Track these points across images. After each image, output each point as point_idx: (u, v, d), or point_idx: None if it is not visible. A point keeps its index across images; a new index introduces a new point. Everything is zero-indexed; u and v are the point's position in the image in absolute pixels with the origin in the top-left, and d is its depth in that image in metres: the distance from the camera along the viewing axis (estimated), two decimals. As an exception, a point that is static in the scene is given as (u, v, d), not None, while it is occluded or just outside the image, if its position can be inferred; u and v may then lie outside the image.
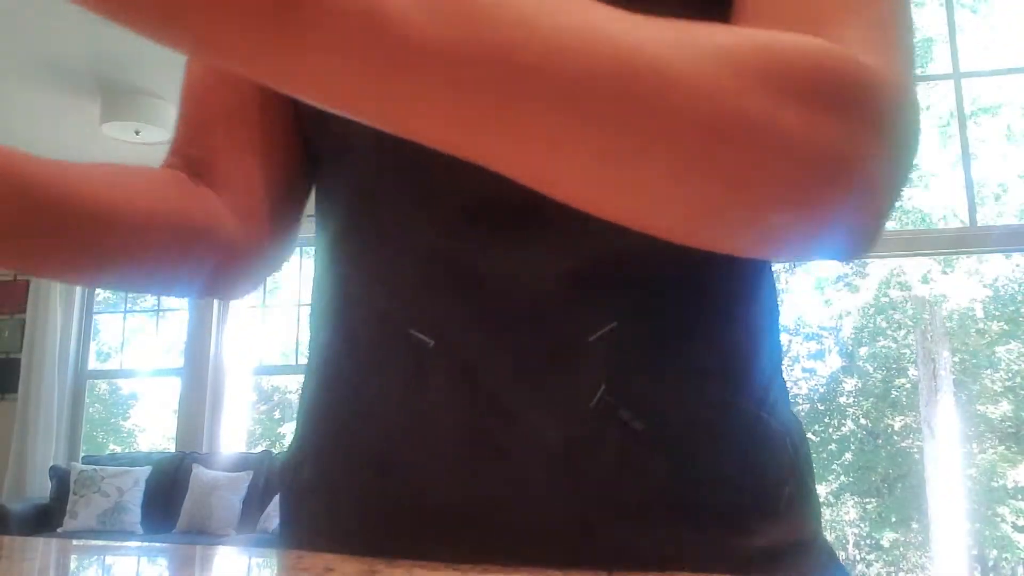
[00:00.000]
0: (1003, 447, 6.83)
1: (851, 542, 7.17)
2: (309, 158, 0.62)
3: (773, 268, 0.60)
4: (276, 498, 4.87)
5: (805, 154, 0.35)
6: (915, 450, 6.90)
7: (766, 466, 0.53)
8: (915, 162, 0.41)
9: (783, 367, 0.61)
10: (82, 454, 5.83)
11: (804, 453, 0.56)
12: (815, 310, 7.72)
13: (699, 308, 0.52)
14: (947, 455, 6.28)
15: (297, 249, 0.71)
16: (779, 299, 0.61)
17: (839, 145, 0.36)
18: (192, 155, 0.62)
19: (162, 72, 4.38)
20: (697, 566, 0.49)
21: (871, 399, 7.43)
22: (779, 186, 0.35)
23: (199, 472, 5.06)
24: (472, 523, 0.50)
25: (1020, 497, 6.55)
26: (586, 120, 0.32)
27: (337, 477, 0.57)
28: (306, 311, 6.10)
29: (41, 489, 5.50)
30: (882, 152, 0.38)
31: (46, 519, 5.15)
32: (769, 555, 0.51)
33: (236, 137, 0.62)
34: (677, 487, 0.50)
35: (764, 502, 0.52)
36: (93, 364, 6.19)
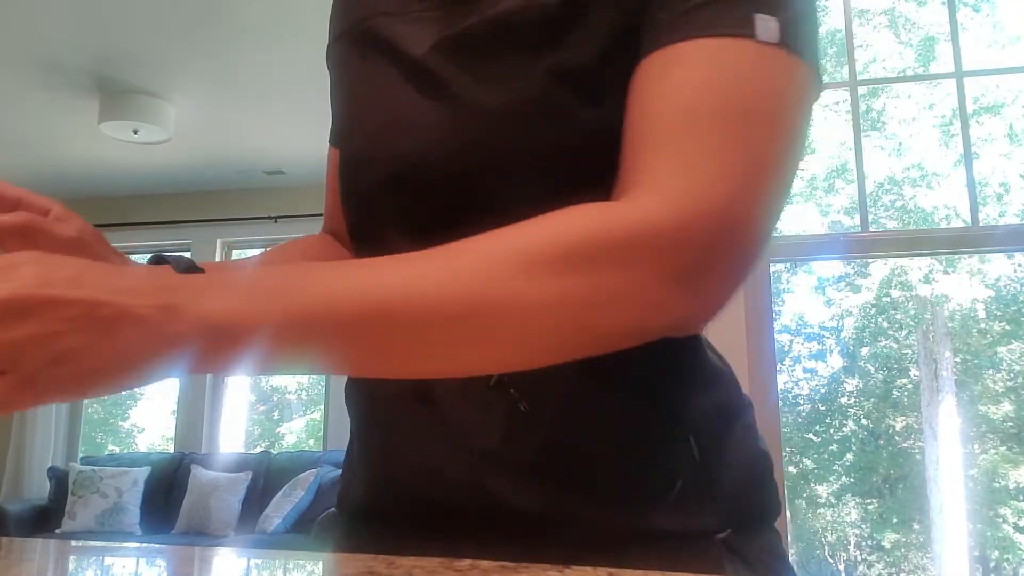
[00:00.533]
0: (1005, 448, 6.81)
1: (852, 543, 7.16)
2: None
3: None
4: (275, 499, 4.87)
5: (557, 314, 0.47)
6: (916, 451, 6.88)
7: (656, 458, 0.60)
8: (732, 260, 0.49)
9: (721, 375, 0.67)
10: (81, 455, 5.81)
11: (713, 457, 0.61)
12: (816, 310, 7.71)
13: None
14: (949, 456, 6.27)
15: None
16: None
17: (595, 296, 0.47)
18: (333, 228, 0.85)
19: (160, 72, 4.37)
20: (582, 532, 0.57)
21: (872, 399, 7.41)
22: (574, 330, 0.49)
23: (198, 473, 5.05)
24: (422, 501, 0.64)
25: (1022, 498, 6.53)
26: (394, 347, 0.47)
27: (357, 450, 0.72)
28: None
29: (40, 490, 5.49)
30: (636, 288, 0.47)
31: (45, 520, 5.14)
32: (651, 537, 0.58)
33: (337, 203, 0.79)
34: (556, 456, 0.59)
35: (649, 490, 0.59)
36: (92, 364, 6.17)
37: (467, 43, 0.60)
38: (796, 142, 0.52)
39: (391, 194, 0.64)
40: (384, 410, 0.68)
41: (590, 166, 0.56)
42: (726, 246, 0.49)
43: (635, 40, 0.57)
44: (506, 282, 0.46)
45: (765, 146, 0.50)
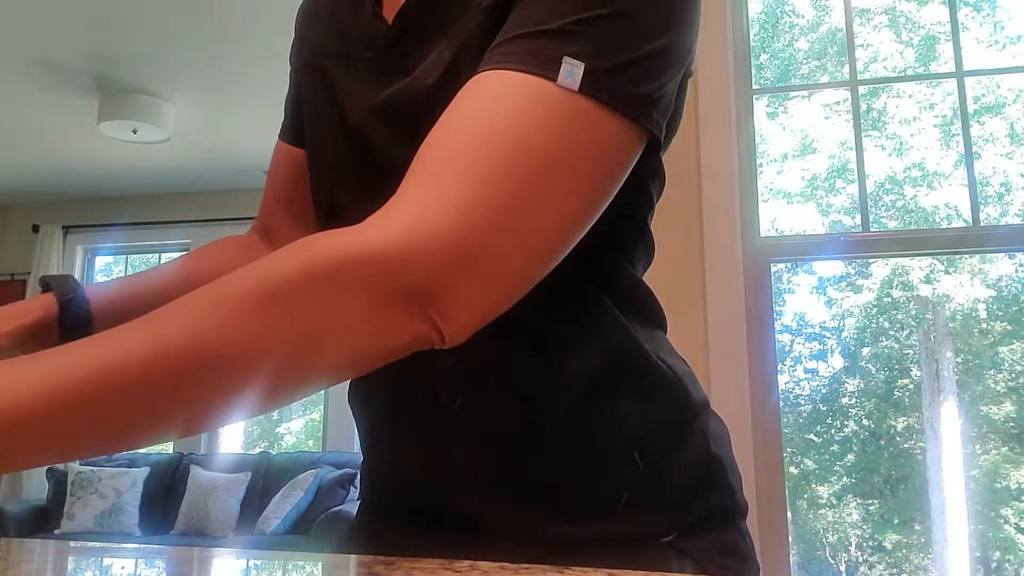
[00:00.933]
0: (1006, 448, 6.80)
1: (853, 544, 7.15)
2: None
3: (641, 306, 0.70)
4: (274, 499, 4.86)
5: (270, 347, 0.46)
6: (918, 451, 6.87)
7: (602, 475, 0.65)
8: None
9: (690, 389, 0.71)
10: (80, 455, 5.80)
11: (660, 467, 0.66)
12: (817, 310, 7.70)
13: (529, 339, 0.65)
14: (950, 456, 6.26)
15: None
16: (638, 326, 0.69)
17: (304, 332, 0.46)
18: (266, 224, 0.90)
19: (159, 71, 4.37)
20: (530, 540, 0.63)
21: (873, 400, 7.40)
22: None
23: (197, 473, 5.04)
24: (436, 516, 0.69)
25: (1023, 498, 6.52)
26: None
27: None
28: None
29: (38, 490, 5.48)
30: (346, 316, 0.47)
31: (43, 520, 5.13)
32: (596, 543, 0.63)
33: (294, 213, 0.86)
34: (510, 475, 0.65)
35: (597, 501, 0.64)
36: (91, 365, 6.16)
37: (398, 109, 0.64)
38: (580, 192, 0.52)
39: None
40: (370, 419, 0.75)
41: None
42: (456, 271, 0.49)
43: None
44: (212, 331, 0.44)
45: (532, 185, 0.50)
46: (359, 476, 0.84)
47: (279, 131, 0.90)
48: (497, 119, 0.51)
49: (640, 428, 0.66)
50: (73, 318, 0.69)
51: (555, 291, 0.59)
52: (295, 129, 0.85)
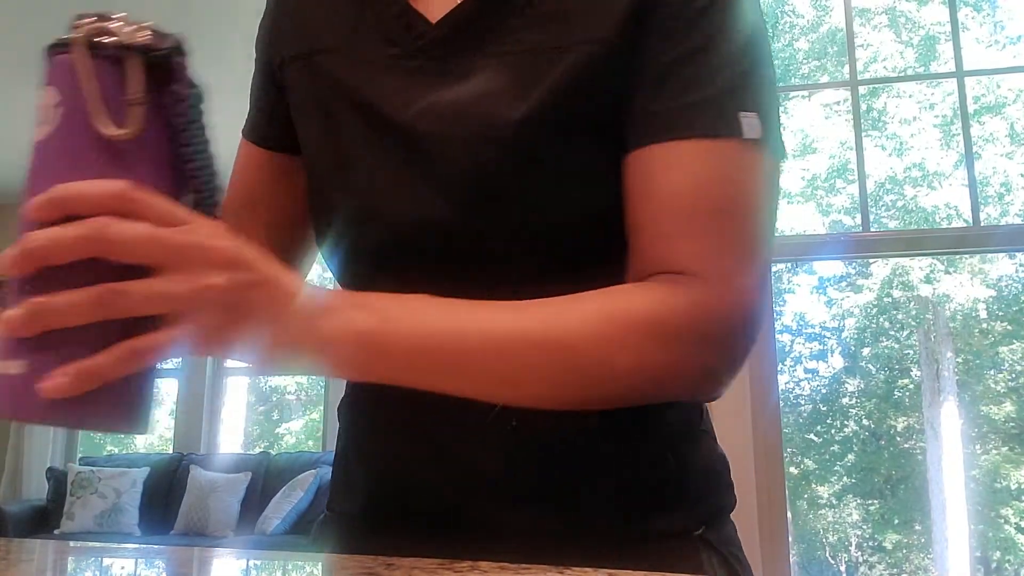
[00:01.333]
0: (1006, 448, 6.80)
1: (854, 544, 7.15)
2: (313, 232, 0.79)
3: None
4: (274, 500, 4.85)
5: (646, 364, 0.56)
6: (918, 451, 6.88)
7: (641, 473, 0.67)
8: (750, 340, 0.59)
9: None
10: (79, 455, 5.80)
11: (692, 463, 0.70)
12: (817, 310, 7.69)
13: None
14: (950, 456, 6.26)
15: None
16: None
17: (664, 368, 0.57)
18: (228, 216, 0.82)
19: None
20: (574, 542, 0.63)
21: (874, 400, 7.41)
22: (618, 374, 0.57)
23: (197, 473, 5.03)
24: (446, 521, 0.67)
25: (1023, 498, 6.52)
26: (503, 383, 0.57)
27: (345, 448, 0.75)
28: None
29: (38, 490, 5.47)
30: (688, 359, 0.58)
31: (43, 521, 5.12)
32: (638, 539, 0.65)
33: (257, 217, 0.82)
34: (551, 481, 0.66)
35: (637, 501, 0.66)
36: (90, 365, 6.16)
37: (471, 118, 0.63)
38: (773, 227, 0.63)
39: (391, 251, 0.67)
40: (389, 423, 0.71)
41: (589, 239, 0.65)
42: (747, 329, 0.59)
43: (609, 129, 0.63)
44: (600, 342, 0.56)
45: (756, 238, 0.60)
46: (337, 482, 0.79)
47: (243, 130, 0.84)
48: (714, 185, 0.60)
49: (671, 428, 0.70)
50: None
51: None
52: (270, 130, 0.80)
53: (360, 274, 0.71)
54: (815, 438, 7.50)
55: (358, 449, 0.74)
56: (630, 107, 0.63)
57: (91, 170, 0.47)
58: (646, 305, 0.57)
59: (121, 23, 0.50)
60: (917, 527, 6.88)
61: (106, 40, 0.49)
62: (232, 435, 5.78)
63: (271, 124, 0.80)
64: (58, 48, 0.49)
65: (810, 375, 7.54)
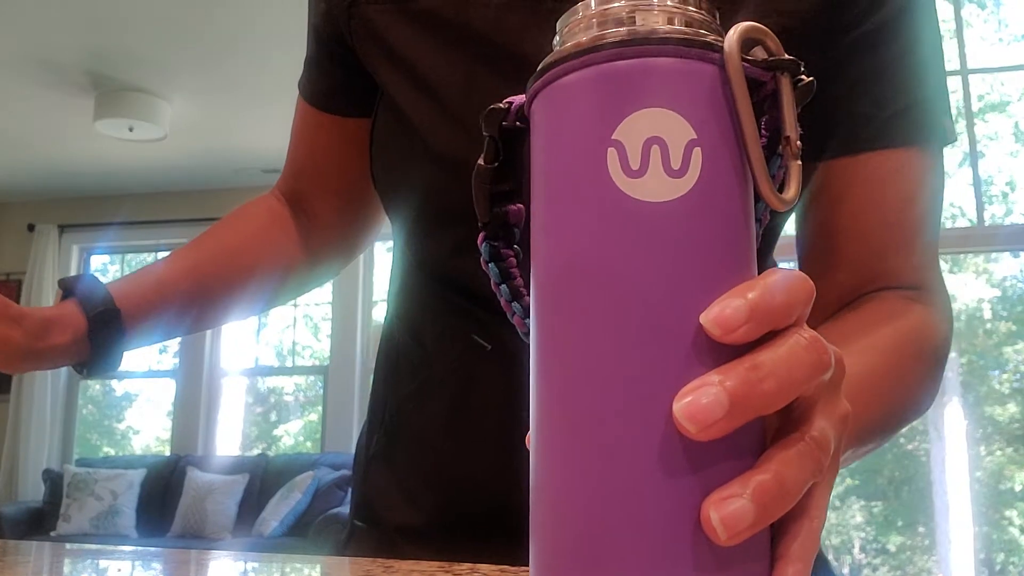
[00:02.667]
0: (1011, 449, 6.77)
1: (857, 546, 7.12)
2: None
3: None
4: (271, 501, 4.83)
5: (932, 394, 0.59)
6: (922, 453, 6.84)
7: None
8: None
9: None
10: (75, 457, 5.78)
11: None
12: (820, 310, 7.66)
13: None
14: (954, 458, 6.23)
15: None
16: None
17: (937, 385, 0.60)
18: (294, 187, 0.84)
19: (155, 69, 4.34)
20: None
21: (877, 401, 7.38)
22: (922, 409, 0.60)
23: (194, 475, 5.01)
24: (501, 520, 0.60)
25: (1028, 500, 6.49)
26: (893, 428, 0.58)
27: (400, 459, 0.70)
28: (302, 313, 6.04)
29: (34, 492, 5.46)
30: (942, 375, 0.61)
31: (39, 522, 5.11)
32: None
33: (327, 182, 0.81)
34: None
35: None
36: (87, 365, 6.15)
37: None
38: None
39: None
40: (456, 430, 0.68)
41: None
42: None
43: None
44: (918, 375, 0.58)
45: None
46: (362, 492, 0.74)
47: (302, 89, 0.79)
48: (934, 194, 0.62)
49: None
50: (102, 335, 0.68)
51: None
52: (334, 94, 0.76)
53: (441, 240, 0.66)
54: (818, 439, 7.48)
55: (413, 456, 0.70)
56: (827, 106, 0.57)
57: (744, 257, 0.30)
58: (929, 333, 0.59)
59: (709, 17, 0.32)
60: (921, 529, 6.85)
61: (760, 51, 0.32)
62: (229, 436, 5.75)
63: (336, 88, 0.75)
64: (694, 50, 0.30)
65: (813, 376, 7.50)
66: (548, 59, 0.31)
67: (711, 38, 0.30)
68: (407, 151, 0.67)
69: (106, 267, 6.55)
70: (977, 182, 4.00)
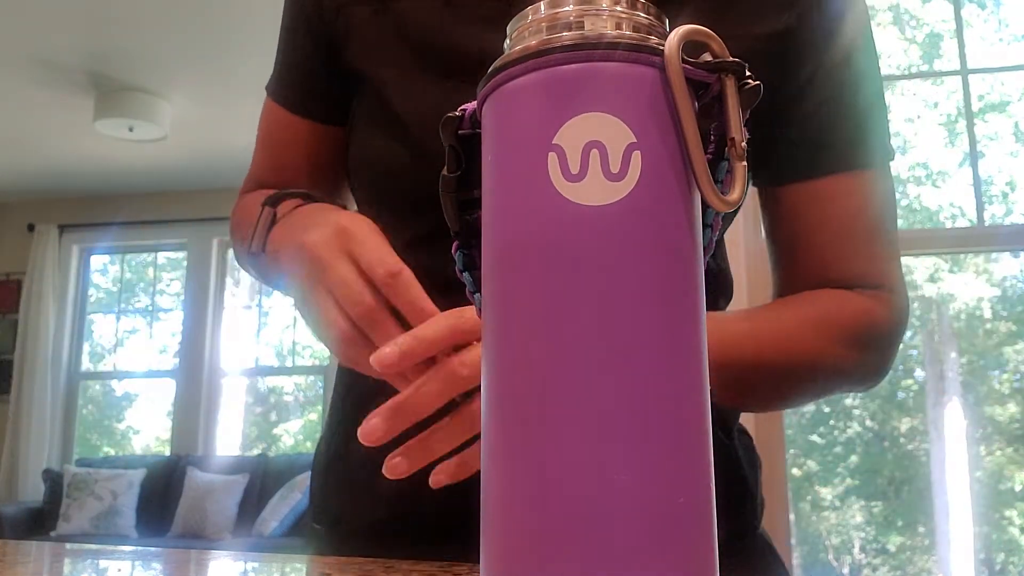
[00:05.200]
0: (1011, 449, 6.77)
1: (857, 546, 7.11)
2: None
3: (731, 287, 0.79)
4: (271, 502, 4.82)
5: (852, 374, 0.68)
6: (922, 453, 6.84)
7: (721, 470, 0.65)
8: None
9: None
10: (75, 457, 5.78)
11: (750, 460, 0.73)
12: (820, 310, 7.65)
13: None
14: (954, 458, 6.23)
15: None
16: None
17: (871, 364, 0.68)
18: (269, 183, 0.83)
19: (155, 69, 4.33)
20: None
21: (877, 401, 7.37)
22: (841, 388, 0.71)
23: (194, 475, 5.01)
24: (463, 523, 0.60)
25: (1028, 500, 6.48)
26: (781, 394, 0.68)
27: (357, 456, 0.68)
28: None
29: (34, 492, 5.45)
30: (884, 360, 0.69)
31: (39, 522, 5.11)
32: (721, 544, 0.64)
33: (299, 176, 0.81)
34: None
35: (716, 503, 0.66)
36: (86, 365, 6.15)
37: None
38: None
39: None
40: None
41: None
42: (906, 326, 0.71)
43: None
44: (821, 344, 0.65)
45: (898, 244, 0.72)
46: (321, 496, 0.73)
47: (275, 93, 0.82)
48: (883, 206, 0.70)
49: (735, 424, 0.73)
50: None
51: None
52: (317, 101, 0.78)
53: (403, 233, 0.67)
54: (818, 439, 7.46)
55: (369, 452, 0.71)
56: (783, 135, 0.66)
57: (685, 259, 0.30)
58: (863, 318, 0.67)
59: (654, 18, 0.32)
60: (921, 529, 6.85)
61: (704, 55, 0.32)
62: (229, 436, 5.75)
63: (317, 94, 0.77)
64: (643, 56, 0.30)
65: (813, 376, 7.50)
66: (496, 63, 0.31)
67: (654, 42, 0.30)
68: (379, 141, 0.71)
69: (106, 267, 6.54)
70: (977, 182, 4.00)
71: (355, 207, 0.85)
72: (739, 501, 0.71)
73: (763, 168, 0.68)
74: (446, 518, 0.62)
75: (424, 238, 0.66)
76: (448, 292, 0.65)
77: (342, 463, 0.72)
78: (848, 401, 7.72)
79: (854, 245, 0.68)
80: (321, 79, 0.77)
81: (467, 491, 0.62)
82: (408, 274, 0.52)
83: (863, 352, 0.67)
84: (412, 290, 0.52)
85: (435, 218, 0.65)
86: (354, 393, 0.72)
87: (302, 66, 0.79)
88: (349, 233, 0.54)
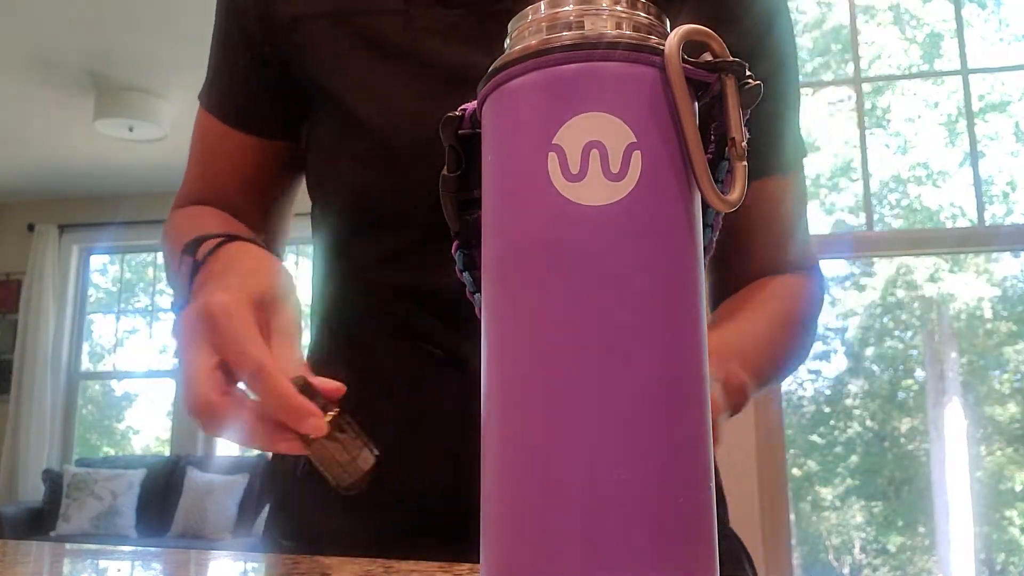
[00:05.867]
0: (1011, 449, 6.77)
1: (857, 546, 7.11)
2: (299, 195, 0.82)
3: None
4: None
5: (806, 356, 0.81)
6: (922, 453, 6.84)
7: None
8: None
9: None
10: (75, 457, 5.77)
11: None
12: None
13: None
14: (954, 458, 6.22)
15: (293, 248, 0.86)
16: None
17: (812, 343, 0.80)
18: (202, 198, 0.81)
19: (155, 69, 4.33)
20: None
21: (878, 401, 7.36)
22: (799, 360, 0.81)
23: (194, 475, 5.01)
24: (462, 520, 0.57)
25: (1029, 500, 6.48)
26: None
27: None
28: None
29: (34, 492, 5.45)
30: (817, 330, 0.83)
31: (39, 523, 5.10)
32: None
33: (255, 204, 0.80)
34: None
35: None
36: (86, 365, 6.15)
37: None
38: None
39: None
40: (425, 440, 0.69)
41: None
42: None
43: None
44: (791, 341, 0.76)
45: None
46: (293, 511, 0.76)
47: (213, 107, 0.78)
48: (804, 201, 0.82)
49: None
50: None
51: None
52: (255, 114, 0.76)
53: (381, 247, 0.69)
54: (818, 439, 7.46)
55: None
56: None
57: (684, 258, 0.30)
58: (802, 296, 0.78)
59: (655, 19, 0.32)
60: (921, 529, 6.85)
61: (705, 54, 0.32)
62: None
63: (257, 108, 0.76)
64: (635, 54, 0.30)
65: (813, 376, 7.50)
66: (497, 62, 0.31)
67: (654, 42, 0.30)
68: (348, 154, 0.70)
69: (106, 267, 6.54)
70: (977, 182, 4.00)
71: (284, 235, 0.84)
72: None
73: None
74: (446, 518, 0.61)
75: (399, 253, 0.67)
76: (424, 305, 0.66)
77: (319, 482, 0.72)
78: (848, 401, 7.72)
79: (789, 236, 0.78)
80: (263, 94, 0.75)
81: (467, 491, 0.62)
82: (270, 366, 0.50)
83: (812, 333, 0.79)
84: (277, 383, 0.50)
85: (409, 233, 0.66)
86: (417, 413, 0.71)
87: (240, 81, 0.77)
88: (214, 320, 0.52)
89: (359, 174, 0.69)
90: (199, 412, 0.50)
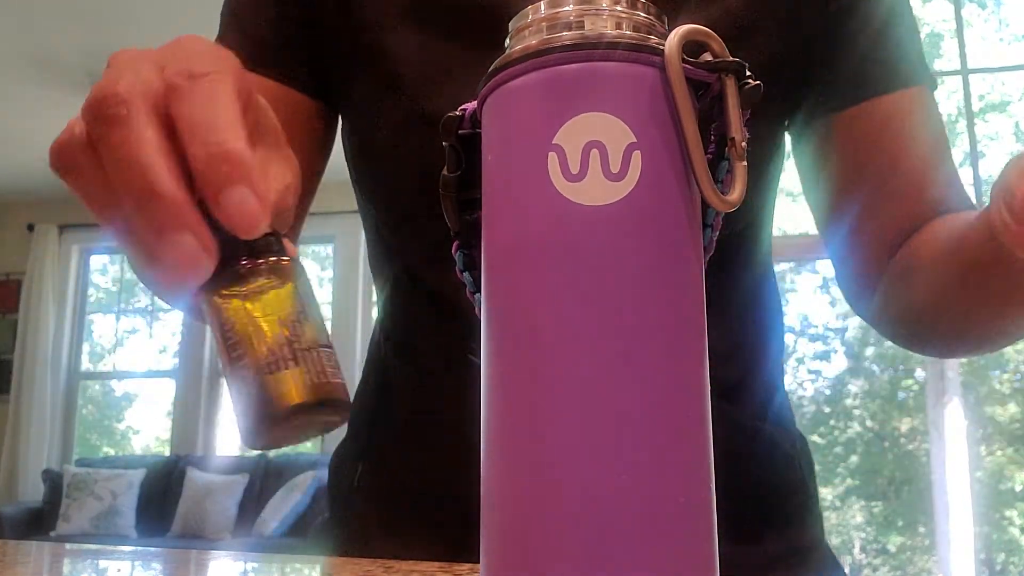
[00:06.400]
0: (1012, 449, 6.77)
1: (857, 547, 7.11)
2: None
3: (777, 281, 0.72)
4: (271, 502, 4.82)
5: None
6: (922, 453, 6.84)
7: (773, 479, 0.61)
8: None
9: (785, 376, 0.70)
10: (75, 457, 5.78)
11: (808, 463, 0.65)
12: (821, 310, 7.65)
13: None
14: (955, 458, 6.22)
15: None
16: (783, 319, 0.71)
17: None
18: None
19: (154, 68, 4.34)
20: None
21: (878, 401, 7.37)
22: None
23: (194, 475, 5.01)
24: None
25: (1029, 500, 6.48)
26: None
27: (394, 481, 0.67)
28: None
29: (34, 492, 5.45)
30: None
31: (39, 523, 5.10)
32: (778, 560, 0.60)
33: None
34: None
35: (773, 513, 0.61)
36: (86, 365, 6.15)
37: None
38: None
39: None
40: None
41: None
42: None
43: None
44: None
45: None
46: (351, 526, 0.70)
47: (247, 55, 0.73)
48: (940, 120, 0.65)
49: (792, 425, 0.67)
50: None
51: (759, 277, 0.68)
52: (298, 66, 0.69)
53: (413, 215, 0.64)
54: (818, 439, 7.46)
55: (409, 490, 0.67)
56: (842, 59, 0.63)
57: (685, 259, 0.30)
58: None
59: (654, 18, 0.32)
60: (921, 529, 6.85)
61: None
62: (229, 436, 5.74)
63: (301, 60, 0.69)
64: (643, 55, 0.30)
65: (814, 376, 7.50)
66: (497, 62, 0.31)
67: (654, 42, 0.30)
68: (398, 118, 0.63)
69: (106, 267, 6.54)
70: (977, 182, 4.00)
71: (301, 219, 0.74)
72: (802, 506, 0.64)
73: (823, 95, 0.65)
74: (446, 518, 0.61)
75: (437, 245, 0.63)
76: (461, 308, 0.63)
77: (371, 498, 0.68)
78: (848, 401, 7.71)
79: (939, 165, 0.64)
80: (292, 37, 0.70)
81: (467, 491, 0.60)
82: (220, 78, 0.32)
83: None
84: (224, 99, 0.32)
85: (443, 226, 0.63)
86: (389, 422, 0.68)
87: (267, 20, 0.73)
88: (179, 44, 0.35)
89: (399, 143, 0.63)
90: (53, 148, 0.33)
